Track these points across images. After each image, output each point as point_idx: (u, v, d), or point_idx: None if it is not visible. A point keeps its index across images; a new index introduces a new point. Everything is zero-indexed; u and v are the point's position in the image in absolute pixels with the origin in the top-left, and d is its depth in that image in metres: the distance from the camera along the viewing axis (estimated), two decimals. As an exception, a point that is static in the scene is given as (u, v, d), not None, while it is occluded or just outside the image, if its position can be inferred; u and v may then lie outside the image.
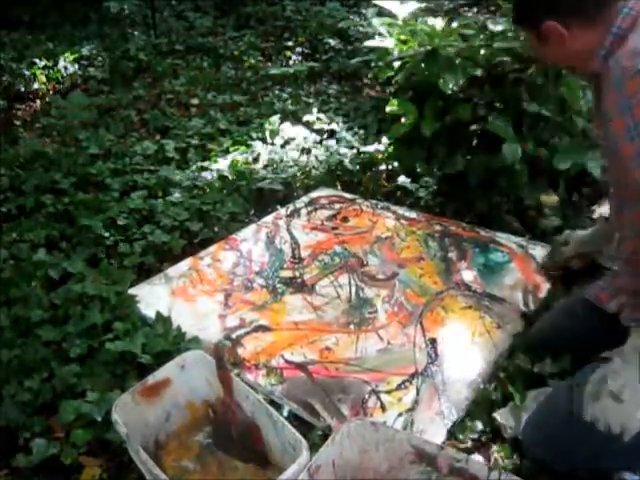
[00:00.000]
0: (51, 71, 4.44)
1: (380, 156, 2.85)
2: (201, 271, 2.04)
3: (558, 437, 1.30)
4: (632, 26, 1.22)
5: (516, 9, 1.39)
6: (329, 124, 3.36)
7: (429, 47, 2.32)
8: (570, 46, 1.30)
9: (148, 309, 1.79)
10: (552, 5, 1.28)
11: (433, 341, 1.70)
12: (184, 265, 2.07)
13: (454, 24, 2.76)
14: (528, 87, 2.24)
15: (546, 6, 1.29)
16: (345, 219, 2.39)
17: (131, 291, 1.88)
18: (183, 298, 1.90)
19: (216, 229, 2.31)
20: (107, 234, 2.19)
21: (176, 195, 2.50)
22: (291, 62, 4.82)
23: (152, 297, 1.87)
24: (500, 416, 1.45)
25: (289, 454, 1.19)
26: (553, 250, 1.99)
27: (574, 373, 1.39)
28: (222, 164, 2.85)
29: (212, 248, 2.18)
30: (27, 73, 4.40)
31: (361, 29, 4.97)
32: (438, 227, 2.29)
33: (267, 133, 3.23)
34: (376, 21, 2.90)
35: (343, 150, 2.99)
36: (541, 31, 1.30)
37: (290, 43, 5.36)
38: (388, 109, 2.52)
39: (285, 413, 1.46)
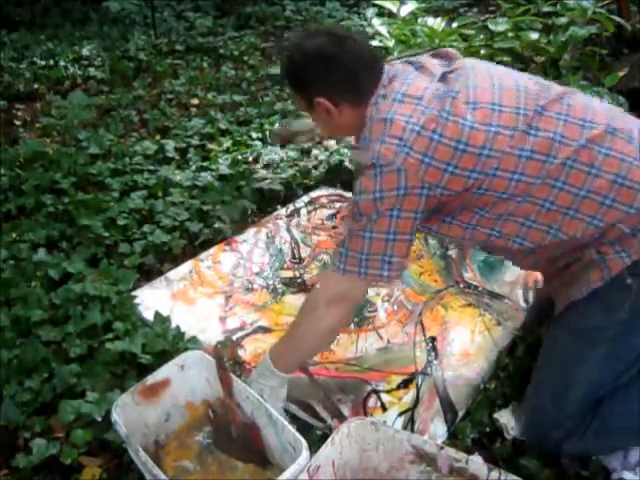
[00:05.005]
0: (51, 71, 4.44)
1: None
2: (201, 273, 2.04)
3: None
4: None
5: (288, 76, 1.39)
6: (329, 124, 3.35)
7: (429, 47, 2.32)
8: (337, 120, 1.35)
9: (148, 312, 1.78)
10: (325, 85, 1.31)
11: (433, 340, 1.70)
12: (185, 268, 2.06)
13: (454, 24, 2.76)
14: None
15: (319, 85, 1.31)
16: (345, 218, 2.39)
17: (132, 294, 1.88)
18: (184, 301, 1.89)
19: (216, 229, 2.31)
20: (107, 234, 2.19)
21: (176, 195, 2.50)
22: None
23: (153, 300, 1.86)
24: (501, 417, 1.45)
25: (289, 454, 1.19)
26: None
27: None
28: (222, 164, 2.85)
29: (212, 250, 2.17)
30: (27, 73, 4.41)
31: (361, 29, 4.97)
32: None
33: (267, 133, 3.23)
34: (376, 21, 2.90)
35: (343, 150, 2.99)
36: (311, 102, 1.34)
37: (290, 43, 5.35)
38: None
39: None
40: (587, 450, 1.35)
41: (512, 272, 1.98)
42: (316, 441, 1.33)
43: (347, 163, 2.83)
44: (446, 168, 1.17)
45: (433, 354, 1.64)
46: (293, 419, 1.43)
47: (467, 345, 1.68)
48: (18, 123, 3.58)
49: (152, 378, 1.36)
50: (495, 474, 1.10)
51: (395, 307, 1.84)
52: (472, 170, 1.17)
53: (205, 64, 4.87)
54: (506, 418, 1.44)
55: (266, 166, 2.88)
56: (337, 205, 2.48)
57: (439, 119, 1.17)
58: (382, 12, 3.19)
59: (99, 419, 1.38)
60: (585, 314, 1.29)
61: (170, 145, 3.03)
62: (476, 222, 1.26)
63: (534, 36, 2.59)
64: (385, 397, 1.51)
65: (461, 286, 1.93)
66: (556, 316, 1.36)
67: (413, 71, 1.29)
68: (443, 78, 1.25)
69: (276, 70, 4.39)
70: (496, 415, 1.46)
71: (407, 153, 1.16)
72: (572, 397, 1.30)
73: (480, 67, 1.31)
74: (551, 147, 1.18)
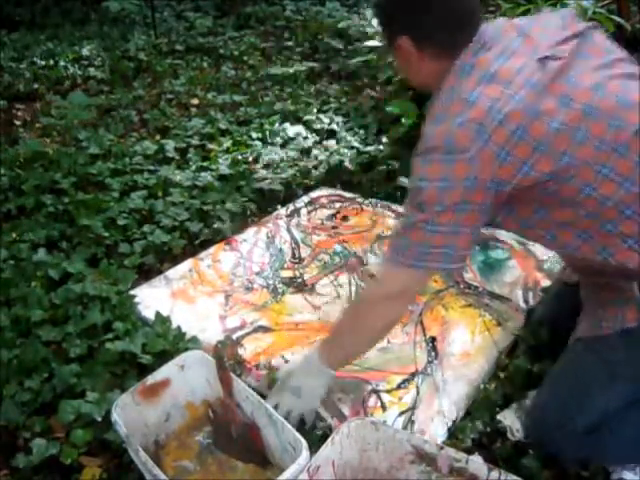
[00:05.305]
0: (51, 71, 4.45)
1: (380, 156, 2.85)
2: (201, 272, 2.04)
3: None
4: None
5: (377, 9, 1.32)
6: (329, 124, 3.35)
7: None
8: (416, 68, 1.26)
9: (148, 311, 1.78)
10: (411, 24, 1.20)
11: (433, 340, 1.70)
12: (184, 266, 2.06)
13: (454, 24, 2.75)
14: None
15: (405, 23, 1.21)
16: (345, 218, 2.39)
17: (131, 292, 1.88)
18: (183, 299, 1.89)
19: (216, 229, 2.31)
20: (107, 234, 2.19)
21: (176, 195, 2.50)
22: (291, 62, 4.82)
23: (152, 299, 1.86)
24: (505, 418, 1.44)
25: (289, 454, 1.19)
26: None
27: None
28: (222, 164, 2.85)
29: (212, 249, 2.17)
30: (27, 73, 4.41)
31: (361, 29, 4.97)
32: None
33: (267, 133, 3.23)
34: (376, 21, 2.89)
35: (343, 150, 2.99)
36: (394, 41, 1.25)
37: (290, 43, 5.37)
38: (388, 109, 2.51)
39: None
40: (588, 460, 1.35)
41: (512, 273, 1.98)
42: (316, 441, 1.33)
43: (347, 163, 2.83)
44: (521, 167, 1.08)
45: (433, 354, 1.64)
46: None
47: (467, 345, 1.68)
48: (18, 123, 3.58)
49: (152, 378, 1.36)
50: (495, 474, 1.10)
51: (395, 307, 1.83)
52: (547, 174, 1.09)
53: (205, 64, 4.87)
54: (510, 420, 1.43)
55: (266, 166, 2.88)
56: (337, 205, 2.49)
57: (525, 113, 1.06)
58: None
59: (99, 419, 1.38)
60: (618, 348, 1.27)
61: (170, 145, 3.03)
62: (533, 222, 1.20)
63: (534, 36, 2.59)
64: (385, 397, 1.51)
65: (461, 286, 1.93)
66: (585, 338, 1.33)
67: (515, 40, 1.15)
68: (543, 62, 1.10)
69: (276, 70, 4.40)
70: (499, 417, 1.45)
71: (485, 142, 1.06)
72: (581, 423, 1.29)
73: (593, 60, 1.15)
74: (633, 172, 1.09)
